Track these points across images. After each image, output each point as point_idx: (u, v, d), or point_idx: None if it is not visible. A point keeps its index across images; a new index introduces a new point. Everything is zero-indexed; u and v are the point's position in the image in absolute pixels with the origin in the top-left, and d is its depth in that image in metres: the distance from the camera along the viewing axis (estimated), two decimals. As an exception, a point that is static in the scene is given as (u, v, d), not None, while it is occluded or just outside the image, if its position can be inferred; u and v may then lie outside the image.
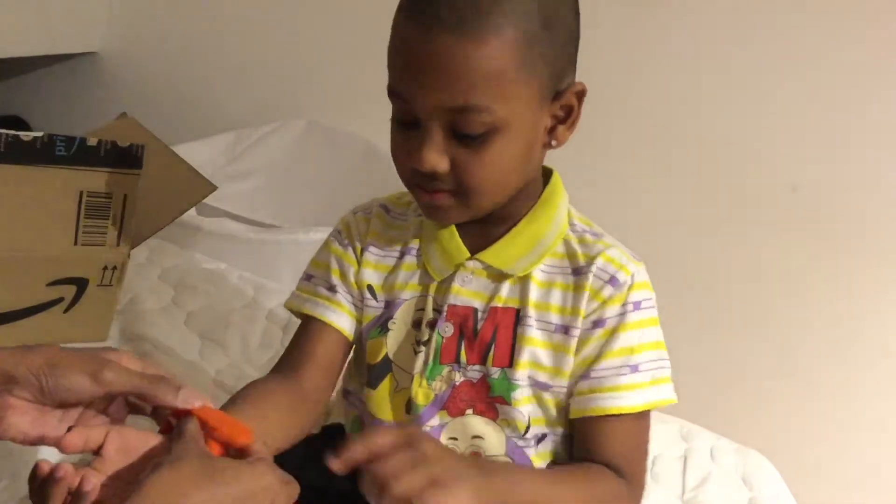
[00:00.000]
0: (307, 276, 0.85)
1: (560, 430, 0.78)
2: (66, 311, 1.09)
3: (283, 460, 0.86)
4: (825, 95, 1.53)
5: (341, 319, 0.80)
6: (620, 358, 0.73)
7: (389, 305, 0.79)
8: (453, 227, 0.76)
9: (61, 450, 0.54)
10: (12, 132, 0.94)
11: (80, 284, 1.08)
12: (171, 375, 0.60)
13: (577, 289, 0.75)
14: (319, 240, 1.53)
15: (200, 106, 2.12)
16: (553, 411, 0.76)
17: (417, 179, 0.69)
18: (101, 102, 2.23)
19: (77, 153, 1.00)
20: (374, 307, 0.80)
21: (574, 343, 0.74)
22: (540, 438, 0.77)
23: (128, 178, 1.05)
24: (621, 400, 0.73)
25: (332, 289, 0.81)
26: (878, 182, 1.53)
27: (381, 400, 0.78)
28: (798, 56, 1.52)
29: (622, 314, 0.74)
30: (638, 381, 0.73)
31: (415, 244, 0.80)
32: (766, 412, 1.67)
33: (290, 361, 0.80)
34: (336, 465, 0.59)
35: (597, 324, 0.74)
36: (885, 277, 1.55)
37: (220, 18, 2.08)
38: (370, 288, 0.80)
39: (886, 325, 1.57)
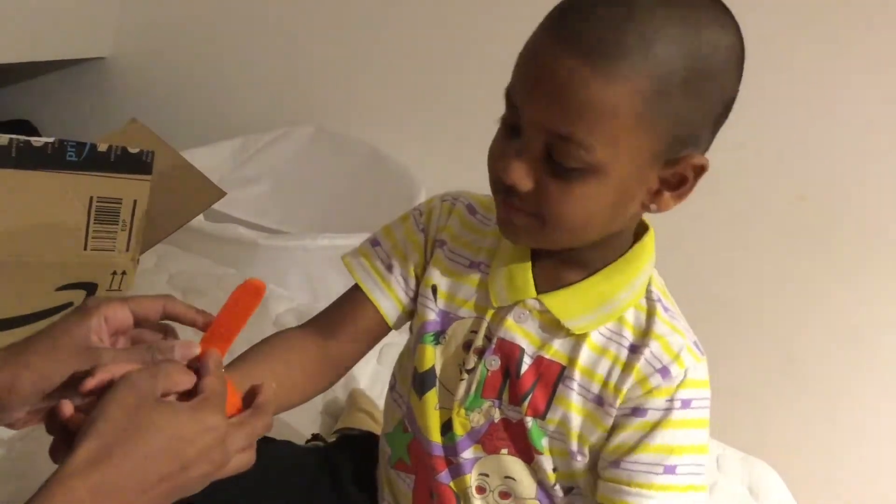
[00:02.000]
0: (374, 241, 0.81)
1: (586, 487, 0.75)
2: (74, 315, 1.09)
3: (296, 472, 0.87)
4: (832, 105, 1.53)
5: (387, 304, 0.78)
6: (657, 455, 0.68)
7: (445, 318, 0.76)
8: (529, 261, 0.72)
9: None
10: (23, 137, 0.94)
11: (89, 289, 1.08)
12: (159, 330, 0.65)
13: (627, 367, 0.69)
14: (327, 245, 1.56)
15: (208, 111, 2.13)
16: (578, 471, 0.74)
17: (501, 188, 0.65)
18: (109, 107, 2.24)
19: (87, 159, 1.00)
20: (432, 310, 0.77)
21: (608, 421, 0.70)
22: (568, 490, 0.75)
23: (137, 184, 1.06)
24: (653, 500, 0.68)
25: (389, 268, 0.79)
26: (885, 192, 1.53)
27: (426, 412, 0.76)
28: (805, 67, 1.52)
29: (667, 409, 0.68)
30: (674, 483, 0.68)
31: (485, 259, 0.76)
32: (772, 421, 1.67)
33: (326, 322, 0.79)
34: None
35: (636, 412, 0.69)
36: (892, 286, 1.55)
37: (228, 25, 2.09)
38: (434, 289, 0.77)
39: (894, 335, 1.57)
